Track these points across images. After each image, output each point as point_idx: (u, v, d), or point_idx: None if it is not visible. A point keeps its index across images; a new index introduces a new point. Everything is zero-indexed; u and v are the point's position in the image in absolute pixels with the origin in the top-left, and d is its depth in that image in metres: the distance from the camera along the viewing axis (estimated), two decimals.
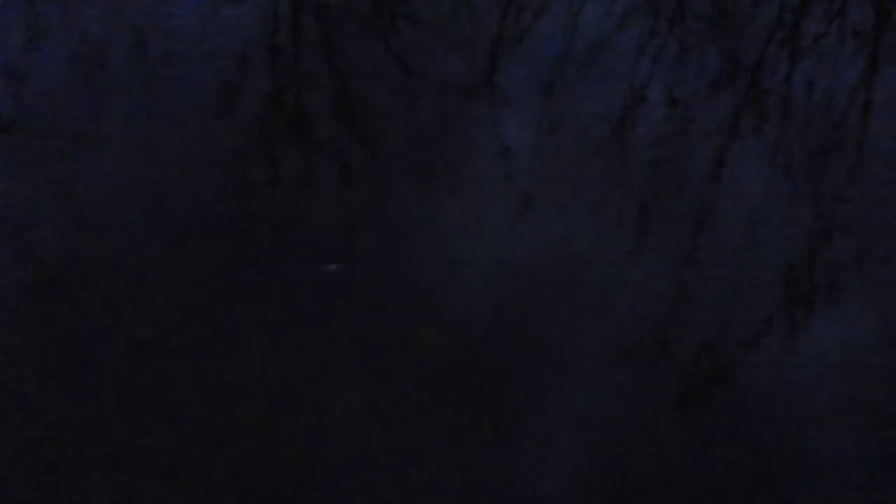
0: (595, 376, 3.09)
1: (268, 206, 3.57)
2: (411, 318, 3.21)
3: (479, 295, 3.32)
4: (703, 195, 3.87)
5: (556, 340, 3.19)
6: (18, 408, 2.78)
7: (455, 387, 3.00)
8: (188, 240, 3.39)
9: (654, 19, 4.90)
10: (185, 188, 3.60)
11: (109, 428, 2.75)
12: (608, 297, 3.37)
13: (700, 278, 3.50)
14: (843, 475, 2.88)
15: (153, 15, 4.52)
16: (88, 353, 2.96)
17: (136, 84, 4.09)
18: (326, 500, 2.65)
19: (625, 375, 3.10)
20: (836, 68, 4.70)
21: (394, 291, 3.29)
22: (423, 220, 3.59)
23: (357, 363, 3.04)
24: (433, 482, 2.73)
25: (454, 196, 3.71)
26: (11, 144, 3.70)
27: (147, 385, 2.88)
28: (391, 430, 2.85)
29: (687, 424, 2.98)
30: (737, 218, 3.78)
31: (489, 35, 4.64)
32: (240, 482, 2.66)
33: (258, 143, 3.85)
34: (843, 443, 2.97)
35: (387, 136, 3.97)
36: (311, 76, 4.24)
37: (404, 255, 3.44)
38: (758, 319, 3.36)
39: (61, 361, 2.93)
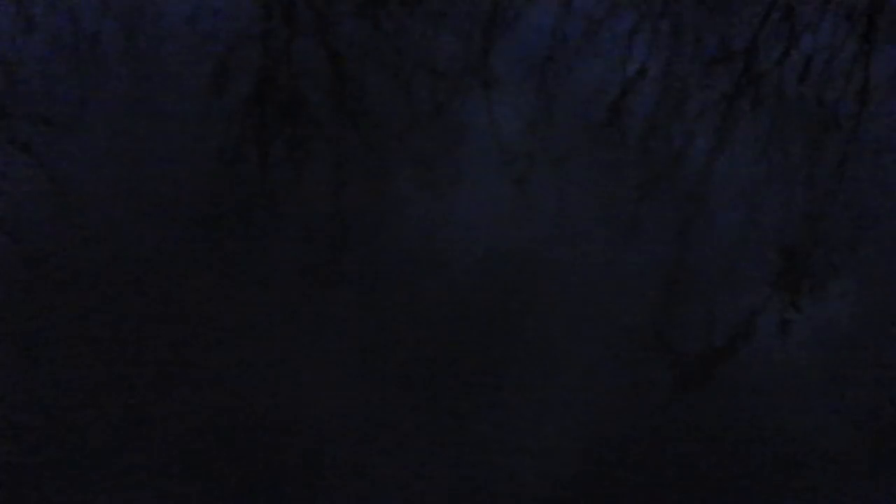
0: (588, 360, 3.08)
1: (260, 191, 3.55)
2: (403, 305, 3.20)
3: (472, 281, 3.31)
4: (698, 177, 3.86)
5: (548, 326, 3.18)
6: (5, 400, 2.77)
7: (451, 372, 2.99)
8: (178, 225, 3.37)
9: (647, 3, 4.88)
10: (176, 173, 3.59)
11: (97, 417, 2.74)
12: (602, 281, 3.36)
13: (693, 260, 3.50)
14: (836, 457, 2.88)
15: None
16: (72, 339, 2.94)
17: (126, 69, 4.06)
18: (315, 487, 2.64)
19: (618, 361, 3.10)
20: (829, 50, 4.69)
21: (386, 277, 3.28)
22: (417, 203, 3.58)
23: (348, 349, 3.03)
24: (427, 471, 2.72)
25: (448, 178, 3.70)
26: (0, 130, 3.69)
27: (134, 374, 2.87)
28: (382, 419, 2.84)
29: (679, 409, 2.97)
30: (731, 200, 3.77)
31: (483, 17, 4.62)
32: (229, 472, 2.65)
33: (250, 128, 3.84)
34: (836, 426, 2.97)
35: (380, 119, 3.95)
36: (304, 59, 4.22)
37: (397, 239, 3.42)
38: (752, 302, 3.36)
39: (44, 346, 2.92)
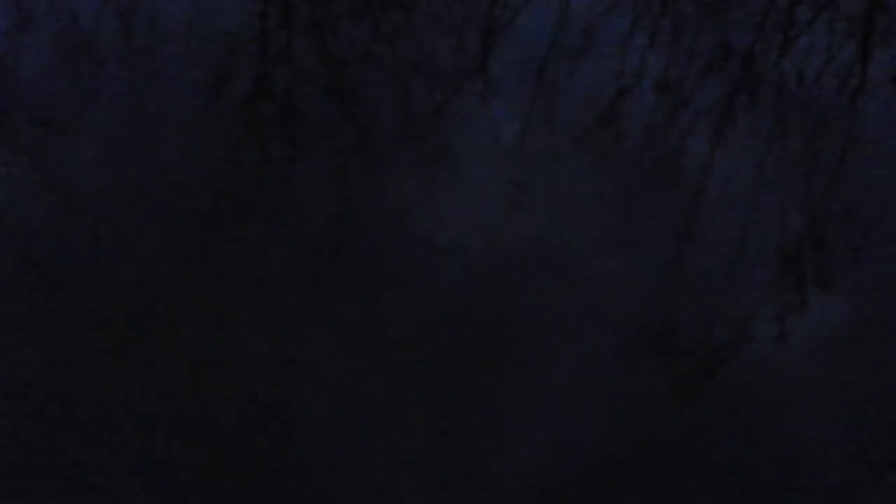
0: (588, 361, 3.08)
1: (257, 194, 3.55)
2: (401, 305, 3.20)
3: (471, 282, 3.31)
4: (696, 180, 3.86)
5: (547, 327, 3.18)
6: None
7: (451, 372, 2.99)
8: (177, 225, 3.37)
9: (645, 3, 4.88)
10: (176, 174, 3.59)
11: (96, 417, 2.74)
12: (599, 284, 3.36)
13: (693, 260, 3.50)
14: (836, 459, 2.88)
15: None
16: (71, 339, 2.94)
17: (123, 70, 4.06)
18: (306, 480, 2.64)
19: (616, 361, 3.10)
20: (828, 52, 4.69)
21: (386, 277, 3.28)
22: (415, 207, 3.58)
23: (348, 349, 3.03)
24: (427, 471, 2.72)
25: (445, 182, 3.70)
26: None
27: (134, 374, 2.87)
28: (382, 419, 2.84)
29: (679, 410, 2.97)
30: (731, 200, 3.77)
31: (480, 20, 4.62)
32: (228, 472, 2.65)
33: (248, 130, 3.83)
34: (837, 427, 2.97)
35: (377, 122, 3.95)
36: (302, 62, 4.22)
37: (395, 242, 3.42)
38: (750, 304, 3.36)
39: (43, 346, 2.92)
